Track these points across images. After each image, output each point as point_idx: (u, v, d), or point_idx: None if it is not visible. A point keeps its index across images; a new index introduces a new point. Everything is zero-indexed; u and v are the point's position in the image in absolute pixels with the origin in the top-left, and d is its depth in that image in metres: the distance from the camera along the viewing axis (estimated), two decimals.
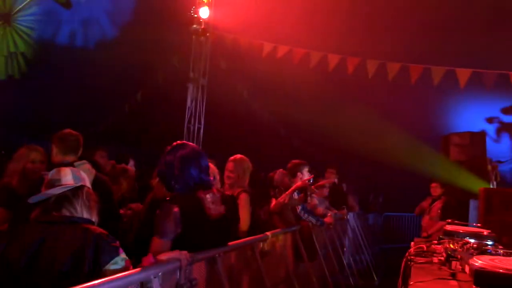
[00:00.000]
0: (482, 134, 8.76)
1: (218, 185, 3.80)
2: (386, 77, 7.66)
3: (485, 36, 6.57)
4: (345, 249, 7.56)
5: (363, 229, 9.47)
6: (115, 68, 9.46)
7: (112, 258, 1.96)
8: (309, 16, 7.67)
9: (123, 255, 2.02)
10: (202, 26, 8.62)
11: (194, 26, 8.70)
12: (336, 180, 7.71)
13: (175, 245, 2.31)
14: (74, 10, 10.46)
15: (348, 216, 8.28)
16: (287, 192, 4.60)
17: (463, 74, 7.32)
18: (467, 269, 2.20)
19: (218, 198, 2.56)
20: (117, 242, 2.05)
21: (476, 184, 7.94)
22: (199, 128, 8.88)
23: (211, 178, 3.30)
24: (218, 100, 8.80)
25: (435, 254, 3.17)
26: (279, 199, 4.63)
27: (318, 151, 9.50)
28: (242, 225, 3.63)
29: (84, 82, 10.10)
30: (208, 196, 2.51)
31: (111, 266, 1.94)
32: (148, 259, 2.16)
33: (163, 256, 2.18)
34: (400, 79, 7.58)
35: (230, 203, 2.67)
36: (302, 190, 4.71)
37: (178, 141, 2.69)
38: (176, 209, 2.35)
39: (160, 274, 2.03)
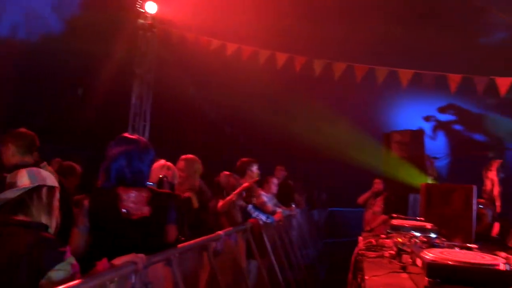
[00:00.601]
0: (421, 132, 9.21)
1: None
2: (332, 76, 7.86)
3: (426, 39, 6.91)
4: (293, 245, 7.68)
5: (309, 225, 9.68)
6: (56, 63, 9.01)
7: (57, 263, 1.89)
8: (258, 14, 7.69)
9: (70, 260, 1.95)
10: (149, 21, 8.42)
11: (140, 20, 8.47)
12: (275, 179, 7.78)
13: (94, 241, 2.31)
14: (17, 1, 9.83)
15: (295, 213, 8.42)
16: (235, 192, 4.67)
17: (405, 75, 7.68)
18: (418, 262, 2.30)
19: (144, 198, 2.39)
20: (66, 247, 1.99)
21: (416, 179, 8.35)
22: (144, 126, 8.66)
23: (161, 177, 3.21)
24: (165, 97, 8.61)
25: (385, 248, 3.30)
26: (227, 198, 4.66)
27: (267, 149, 9.57)
28: None
29: (23, 76, 9.52)
30: (131, 194, 2.37)
31: (53, 273, 1.88)
32: (102, 263, 2.08)
33: (118, 260, 2.10)
34: (346, 78, 7.80)
35: (163, 205, 2.44)
36: (248, 190, 4.83)
37: (122, 134, 2.60)
38: (86, 202, 2.34)
39: (116, 279, 1.95)
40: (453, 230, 4.92)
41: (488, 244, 5.39)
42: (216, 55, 7.94)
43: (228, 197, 4.63)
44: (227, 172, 5.03)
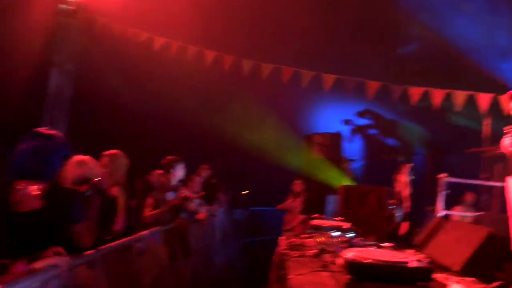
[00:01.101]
0: (339, 135, 9.71)
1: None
2: (260, 77, 8.00)
3: (349, 47, 7.28)
4: (215, 244, 7.73)
5: (231, 224, 9.79)
6: None
7: None
8: (188, 9, 7.60)
9: None
10: (72, 7, 7.97)
11: (62, 6, 7.98)
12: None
13: None
14: None
15: (218, 212, 8.48)
16: (162, 209, 4.70)
17: (328, 79, 8.03)
18: (339, 260, 2.45)
19: (39, 192, 2.30)
20: None
21: (334, 180, 8.80)
22: (62, 118, 8.19)
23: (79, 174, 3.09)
24: (87, 89, 8.22)
25: (307, 248, 3.46)
26: (154, 211, 4.67)
27: (193, 146, 9.50)
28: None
29: None
30: (27, 187, 2.29)
31: None
32: (19, 267, 1.96)
33: (39, 264, 2.00)
34: (273, 79, 7.99)
35: (62, 200, 2.39)
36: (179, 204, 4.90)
37: (33, 129, 2.49)
38: None
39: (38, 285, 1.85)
40: (368, 230, 5.26)
41: (396, 242, 5.84)
42: (144, 49, 7.74)
43: (156, 211, 4.65)
44: (160, 171, 4.99)
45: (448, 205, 8.95)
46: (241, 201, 11.47)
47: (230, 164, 10.26)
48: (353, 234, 3.77)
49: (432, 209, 7.89)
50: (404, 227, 7.13)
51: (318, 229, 3.90)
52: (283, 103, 9.16)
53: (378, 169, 10.40)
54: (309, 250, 3.30)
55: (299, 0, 6.27)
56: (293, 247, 3.57)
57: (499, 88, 7.85)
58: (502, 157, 6.82)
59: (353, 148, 11.36)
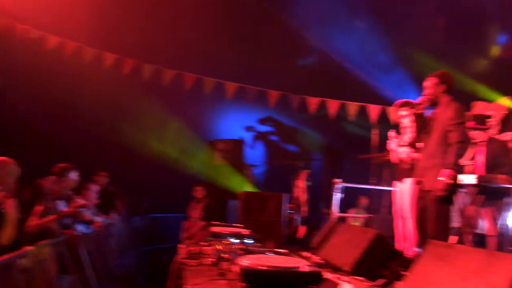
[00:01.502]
0: (242, 141, 9.88)
1: None
2: (162, 82, 7.87)
3: (252, 57, 7.45)
4: (110, 255, 7.39)
5: (129, 232, 9.43)
6: None
7: None
8: (86, 10, 7.21)
9: None
10: None
11: None
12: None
13: None
14: None
15: (115, 220, 8.14)
16: (51, 219, 4.41)
17: (231, 87, 8.16)
18: (235, 268, 2.49)
19: None
20: None
21: (236, 186, 8.92)
22: None
23: None
24: None
25: (205, 256, 3.45)
26: (42, 220, 4.36)
27: (90, 152, 9.01)
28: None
29: None
30: None
31: None
32: None
33: None
34: (175, 85, 7.90)
35: None
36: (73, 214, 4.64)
37: None
38: None
39: None
40: (267, 235, 5.40)
41: (295, 245, 6.07)
42: (35, 47, 7.18)
43: (44, 220, 4.33)
44: (54, 177, 4.67)
45: (345, 208, 9.54)
46: (141, 208, 11.12)
47: (130, 170, 9.90)
48: (252, 241, 3.84)
49: (328, 212, 8.33)
50: (302, 231, 7.46)
51: (218, 236, 3.92)
52: (186, 109, 9.09)
53: (279, 174, 10.74)
54: (208, 258, 3.30)
55: (202, 6, 6.27)
56: (191, 256, 3.55)
57: (384, 100, 8.60)
58: (389, 163, 7.44)
59: (255, 154, 11.59)
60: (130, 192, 10.24)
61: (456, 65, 6.98)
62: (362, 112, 8.78)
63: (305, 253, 4.38)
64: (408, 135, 5.22)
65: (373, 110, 8.66)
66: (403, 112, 5.20)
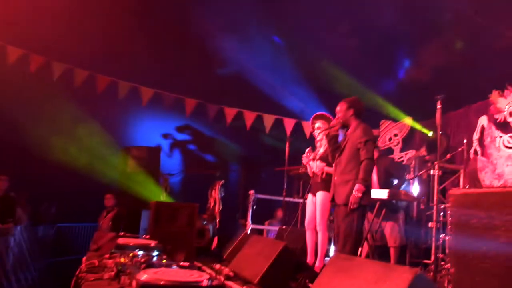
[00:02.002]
0: (158, 149, 9.63)
1: None
2: (73, 83, 7.43)
3: (169, 63, 7.31)
4: (7, 269, 6.80)
5: (31, 243, 8.77)
6: None
7: None
8: (10, 10, 6.57)
9: None
10: None
11: None
12: None
13: None
14: None
15: (15, 230, 7.53)
16: None
17: (146, 93, 7.92)
18: (134, 283, 2.36)
19: None
20: None
21: (151, 195, 8.64)
22: None
23: None
24: None
25: (106, 269, 3.26)
26: None
27: None
28: None
29: None
30: None
31: None
32: None
33: None
34: (87, 87, 7.50)
35: None
36: None
37: None
38: None
39: None
40: (178, 246, 5.28)
41: (208, 257, 6.00)
42: None
43: None
44: None
45: (263, 219, 9.64)
46: (46, 216, 10.39)
47: (34, 175, 9.19)
48: (158, 253, 3.72)
49: (244, 223, 8.36)
50: (215, 242, 7.40)
51: (123, 248, 3.75)
52: (99, 112, 8.65)
53: (197, 184, 10.60)
54: (108, 272, 3.12)
55: (120, 5, 6.02)
56: (91, 269, 3.34)
57: (297, 115, 8.88)
58: (303, 176, 7.65)
59: (172, 162, 11.38)
60: (34, 199, 9.54)
61: (367, 83, 7.38)
62: (278, 125, 8.97)
63: (216, 265, 4.34)
64: (321, 148, 5.39)
65: (288, 123, 8.90)
66: (318, 124, 5.38)
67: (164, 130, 10.97)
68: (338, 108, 4.75)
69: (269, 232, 9.46)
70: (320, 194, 5.20)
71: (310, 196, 5.41)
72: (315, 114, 5.49)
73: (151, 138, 10.21)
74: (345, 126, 4.72)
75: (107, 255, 3.69)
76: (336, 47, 6.78)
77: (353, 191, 4.31)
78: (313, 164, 5.30)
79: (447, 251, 4.18)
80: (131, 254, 3.35)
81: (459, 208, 1.77)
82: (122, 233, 4.70)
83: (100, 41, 6.54)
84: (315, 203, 5.28)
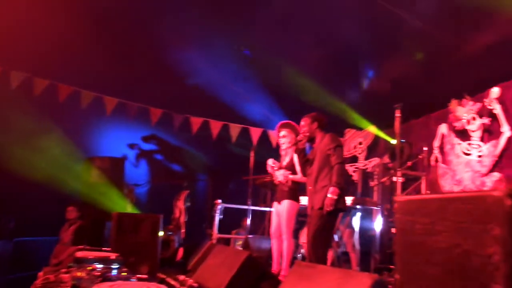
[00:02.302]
0: (123, 159, 9.48)
1: None
2: (32, 92, 7.25)
3: (133, 71, 7.24)
4: None
5: None
6: None
7: None
8: None
9: None
10: None
11: None
12: None
13: None
14: None
15: None
16: None
17: (110, 102, 7.81)
18: None
19: None
20: None
21: (116, 206, 8.48)
22: None
23: None
24: None
25: (61, 285, 3.19)
26: None
27: None
28: None
29: None
30: None
31: None
32: None
33: None
34: (48, 96, 7.33)
35: None
36: None
37: None
38: None
39: None
40: (142, 258, 5.21)
41: (173, 268, 5.94)
42: None
43: None
44: None
45: (230, 229, 9.61)
46: (4, 230, 10.03)
47: None
48: (118, 266, 3.65)
49: (210, 233, 8.32)
50: (180, 253, 7.33)
51: (81, 261, 3.67)
52: (61, 122, 8.45)
53: (163, 194, 10.48)
54: (63, 287, 3.05)
55: (81, 17, 5.94)
56: (46, 285, 3.26)
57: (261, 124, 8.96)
58: (269, 184, 7.69)
59: (139, 173, 11.23)
60: None
61: (332, 92, 7.52)
62: (245, 134, 9.01)
63: (181, 276, 4.31)
64: (286, 157, 5.44)
65: (254, 132, 8.94)
66: (283, 132, 5.43)
67: (130, 140, 10.81)
68: (302, 123, 4.95)
69: (236, 242, 9.44)
70: (285, 203, 5.24)
71: (275, 204, 5.45)
72: (280, 122, 5.56)
73: (116, 148, 10.04)
74: (311, 139, 4.91)
75: (64, 270, 3.61)
76: (301, 58, 6.89)
77: (328, 194, 4.43)
78: (278, 174, 5.35)
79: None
80: (89, 268, 3.28)
81: (403, 214, 1.83)
82: (82, 246, 4.59)
83: (61, 49, 6.41)
84: (280, 211, 5.32)
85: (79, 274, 3.11)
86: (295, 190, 5.32)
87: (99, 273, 3.04)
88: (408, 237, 1.69)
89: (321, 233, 4.47)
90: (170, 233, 7.80)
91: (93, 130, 9.32)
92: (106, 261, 3.74)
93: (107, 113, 7.95)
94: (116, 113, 8.09)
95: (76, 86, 7.51)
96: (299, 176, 5.25)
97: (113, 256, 3.92)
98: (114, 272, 3.41)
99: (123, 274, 3.22)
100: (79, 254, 3.94)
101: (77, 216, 7.71)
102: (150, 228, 5.41)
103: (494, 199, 1.51)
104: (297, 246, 6.97)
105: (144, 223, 5.38)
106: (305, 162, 4.97)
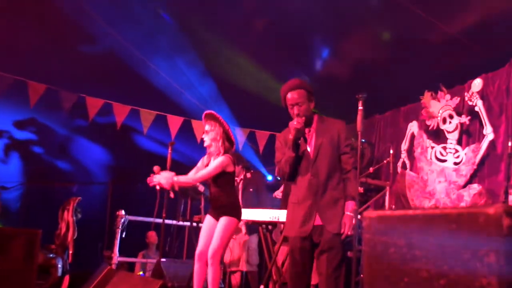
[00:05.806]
0: None
1: None
2: None
3: (2, 26, 6.91)
4: None
5: None
6: None
7: None
8: None
9: None
10: None
11: None
12: None
13: None
14: None
15: None
16: None
17: None
18: None
19: None
20: None
21: None
22: None
23: None
24: None
25: None
26: None
27: None
28: None
29: None
30: None
31: None
32: None
33: None
34: None
35: None
36: None
37: None
38: None
39: None
40: (11, 287, 4.99)
41: None
42: None
43: None
44: None
45: (134, 249, 9.43)
46: None
47: None
48: None
49: (109, 255, 8.13)
50: (65, 282, 7.12)
51: None
52: None
53: (44, 202, 10.15)
54: None
55: None
56: None
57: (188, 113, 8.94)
58: (190, 192, 7.63)
59: (8, 171, 10.82)
60: None
61: (277, 76, 7.61)
62: (161, 123, 8.89)
63: None
64: (212, 156, 5.39)
65: (174, 122, 8.86)
66: (207, 127, 5.36)
67: None
68: (295, 96, 4.33)
69: (144, 267, 9.32)
70: (224, 220, 5.17)
71: (208, 218, 5.37)
72: (205, 112, 5.46)
73: None
74: (307, 125, 4.35)
75: None
76: (236, 28, 6.93)
77: (346, 211, 4.17)
78: (159, 178, 5.14)
79: None
80: None
81: (374, 234, 1.86)
82: None
83: None
84: (213, 228, 5.22)
85: None
86: (236, 205, 5.29)
87: None
88: (379, 264, 1.70)
89: (342, 265, 4.17)
90: (52, 255, 7.52)
91: None
92: None
93: None
94: None
95: None
96: (191, 178, 5.20)
97: None
98: None
99: None
100: None
101: None
102: (24, 248, 5.18)
103: (488, 218, 1.54)
104: (224, 274, 6.98)
105: (15, 242, 5.14)
106: (293, 159, 4.28)
